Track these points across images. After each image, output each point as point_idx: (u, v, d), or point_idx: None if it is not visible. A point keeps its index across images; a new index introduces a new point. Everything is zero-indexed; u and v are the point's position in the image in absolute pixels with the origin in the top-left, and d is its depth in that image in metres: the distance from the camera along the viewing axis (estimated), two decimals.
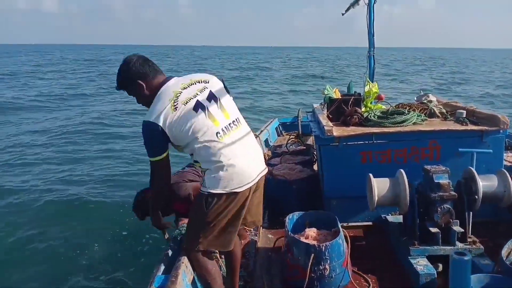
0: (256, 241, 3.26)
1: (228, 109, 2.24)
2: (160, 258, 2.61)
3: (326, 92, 4.08)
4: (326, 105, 4.11)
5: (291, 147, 5.50)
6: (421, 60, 62.52)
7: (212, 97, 2.21)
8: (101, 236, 5.23)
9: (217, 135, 2.12)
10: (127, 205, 5.81)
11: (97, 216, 5.90)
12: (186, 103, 2.12)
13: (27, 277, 4.38)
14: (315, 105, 4.60)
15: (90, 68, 37.03)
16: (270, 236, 3.41)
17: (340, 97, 3.95)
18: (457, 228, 2.74)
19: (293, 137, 6.08)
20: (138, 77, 2.21)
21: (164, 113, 2.07)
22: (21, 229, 5.46)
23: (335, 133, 3.26)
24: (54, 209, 6.18)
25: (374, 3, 4.88)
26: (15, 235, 5.30)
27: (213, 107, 2.18)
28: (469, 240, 2.79)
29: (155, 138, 2.10)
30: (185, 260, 2.37)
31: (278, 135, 7.56)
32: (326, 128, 3.28)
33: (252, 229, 3.45)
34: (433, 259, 2.71)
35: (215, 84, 2.29)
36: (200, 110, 2.13)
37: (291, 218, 2.96)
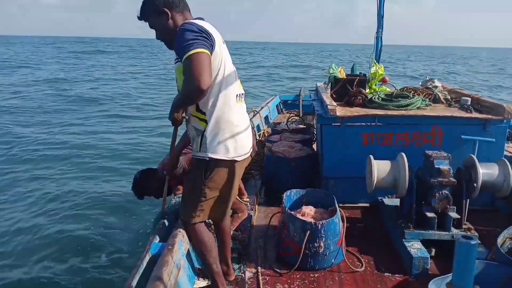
0: (252, 215, 3.26)
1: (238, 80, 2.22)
2: (156, 227, 2.62)
3: (331, 71, 4.03)
4: (330, 85, 4.07)
5: (292, 125, 5.47)
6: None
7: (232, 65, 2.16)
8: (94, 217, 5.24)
9: (236, 96, 2.10)
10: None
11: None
12: (228, 51, 2.09)
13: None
14: (318, 84, 4.55)
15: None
16: (266, 211, 3.42)
17: (345, 77, 3.90)
18: (453, 214, 2.74)
19: (294, 115, 6.05)
20: (166, 3, 2.02)
21: (216, 34, 1.97)
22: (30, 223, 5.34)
23: (338, 113, 3.23)
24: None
25: None
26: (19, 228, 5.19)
27: (235, 71, 2.16)
28: (464, 226, 2.80)
29: (200, 35, 1.88)
30: (182, 230, 2.37)
31: (279, 113, 7.53)
32: (329, 107, 3.25)
33: (248, 204, 3.47)
34: (427, 243, 2.72)
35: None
36: (233, 65, 2.12)
37: (289, 195, 2.95)
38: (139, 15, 2.10)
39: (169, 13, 2.03)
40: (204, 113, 2.04)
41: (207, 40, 1.90)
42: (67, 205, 5.66)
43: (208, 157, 2.05)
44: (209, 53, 1.88)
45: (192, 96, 1.91)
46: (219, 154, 2.05)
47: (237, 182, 2.23)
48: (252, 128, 3.43)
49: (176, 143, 2.36)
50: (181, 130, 2.25)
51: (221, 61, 2.00)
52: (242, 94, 2.20)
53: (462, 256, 1.69)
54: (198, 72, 1.81)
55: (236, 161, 2.11)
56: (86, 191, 6.19)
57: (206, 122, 2.04)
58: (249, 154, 2.22)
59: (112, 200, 5.78)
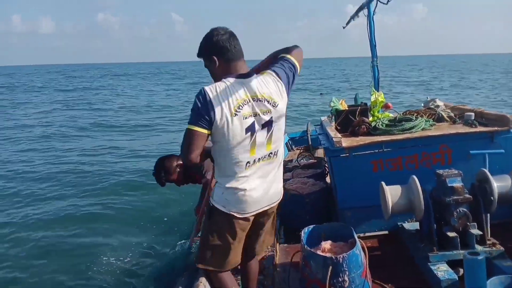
0: (273, 257, 3.25)
1: (274, 140, 2.17)
2: (177, 279, 2.62)
3: (332, 104, 4.12)
4: (333, 117, 4.14)
5: (302, 161, 5.51)
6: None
7: (267, 125, 2.12)
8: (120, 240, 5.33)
9: (246, 164, 2.10)
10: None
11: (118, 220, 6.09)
12: (245, 118, 2.04)
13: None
14: (322, 118, 4.62)
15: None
16: (287, 251, 3.40)
17: (346, 108, 3.98)
18: (475, 231, 2.71)
19: (303, 150, 6.09)
20: (215, 51, 2.09)
21: (226, 106, 1.99)
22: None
23: (344, 144, 3.27)
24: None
25: (374, 14, 4.94)
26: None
27: (261, 136, 2.11)
28: (488, 242, 2.76)
29: (203, 110, 1.98)
30: (203, 280, 2.38)
31: (289, 150, 7.57)
32: (335, 139, 3.30)
33: (269, 246, 3.45)
34: (453, 264, 2.67)
35: (279, 110, 2.15)
36: (249, 133, 2.07)
37: (306, 231, 2.94)
38: (197, 53, 2.19)
39: (217, 61, 2.10)
40: (214, 164, 2.21)
41: (205, 116, 1.98)
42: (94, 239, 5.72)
43: (212, 204, 2.18)
44: (203, 130, 1.99)
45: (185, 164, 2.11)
46: (219, 205, 2.16)
47: (243, 234, 2.25)
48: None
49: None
50: None
51: (224, 133, 2.02)
52: (270, 154, 2.17)
53: (472, 272, 1.67)
54: (186, 149, 2.03)
55: (235, 216, 2.16)
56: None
57: (215, 173, 2.21)
58: (259, 210, 2.22)
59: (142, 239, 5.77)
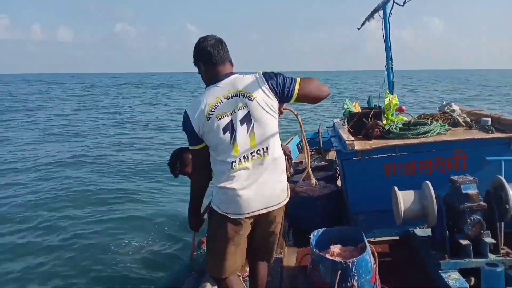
0: (281, 259, 3.22)
1: (257, 135, 2.12)
2: (184, 280, 2.61)
3: (345, 106, 4.07)
4: (346, 120, 4.09)
5: (313, 163, 5.46)
6: None
7: (246, 120, 2.10)
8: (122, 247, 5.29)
9: (232, 164, 2.10)
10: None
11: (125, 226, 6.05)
12: (220, 119, 2.07)
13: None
14: (335, 120, 4.58)
15: None
16: (295, 254, 3.37)
17: (360, 111, 3.93)
18: (488, 240, 2.64)
19: (314, 152, 6.04)
20: (200, 58, 2.19)
21: (198, 116, 2.10)
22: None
23: (357, 147, 3.23)
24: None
25: (390, 16, 4.88)
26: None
27: (241, 132, 2.09)
28: (502, 251, 2.69)
29: (187, 130, 2.15)
30: (210, 281, 2.36)
31: (300, 152, 7.52)
32: (347, 142, 3.26)
33: (278, 247, 3.43)
34: (465, 273, 2.61)
35: (258, 103, 2.11)
36: (227, 133, 2.08)
37: (316, 234, 2.91)
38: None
39: (202, 66, 2.20)
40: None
41: (192, 134, 2.14)
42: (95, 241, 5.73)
43: (211, 205, 2.24)
44: (194, 148, 2.19)
45: (192, 186, 2.30)
46: (215, 205, 2.20)
47: (238, 239, 2.21)
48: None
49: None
50: None
51: (208, 137, 2.12)
52: (258, 150, 2.13)
53: (489, 284, 1.62)
54: (193, 165, 2.31)
55: (229, 218, 2.15)
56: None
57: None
58: (256, 213, 2.17)
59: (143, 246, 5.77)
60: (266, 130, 2.14)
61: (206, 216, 2.61)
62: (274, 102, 2.15)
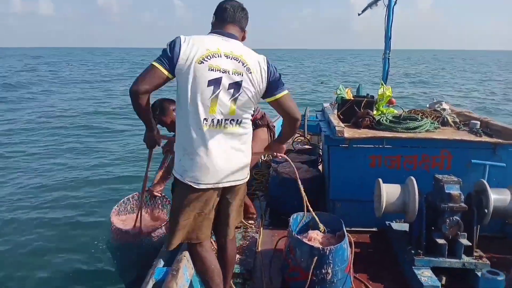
0: (257, 239, 3.19)
1: (239, 105, 2.08)
2: (160, 250, 2.56)
3: (338, 92, 4.01)
4: (337, 105, 4.04)
5: (297, 145, 5.43)
6: None
7: (235, 86, 2.05)
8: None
9: (203, 121, 2.01)
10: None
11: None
12: (210, 70, 1.99)
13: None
14: (325, 105, 4.52)
15: None
16: (271, 235, 3.34)
17: (352, 98, 3.88)
18: (464, 241, 2.67)
19: (299, 135, 6.01)
20: (217, 11, 2.23)
21: (192, 51, 1.99)
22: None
23: (346, 135, 3.19)
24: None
25: (394, 4, 4.79)
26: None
27: (225, 95, 2.04)
28: (475, 254, 2.72)
29: (170, 49, 2.00)
30: (186, 254, 2.31)
31: None
32: (337, 128, 3.21)
33: (253, 227, 3.40)
34: (437, 271, 2.64)
35: (253, 79, 2.09)
36: (212, 87, 2.00)
37: (295, 218, 2.88)
38: None
39: (214, 19, 2.24)
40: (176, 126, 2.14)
41: (168, 57, 1.99)
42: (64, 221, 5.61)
43: (173, 174, 2.15)
44: (160, 68, 1.97)
45: (133, 102, 2.03)
46: (177, 174, 2.11)
47: (205, 209, 2.15)
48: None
49: None
50: None
51: (186, 81, 1.99)
52: (232, 119, 2.09)
53: None
54: (139, 78, 1.99)
55: (193, 188, 2.07)
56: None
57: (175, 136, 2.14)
58: (220, 184, 2.12)
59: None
60: (247, 106, 2.13)
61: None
62: (263, 88, 2.15)
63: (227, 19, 2.18)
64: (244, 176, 2.26)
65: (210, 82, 1.99)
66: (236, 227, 3.14)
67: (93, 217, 5.72)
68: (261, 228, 3.40)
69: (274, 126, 3.75)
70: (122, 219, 3.61)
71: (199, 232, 2.18)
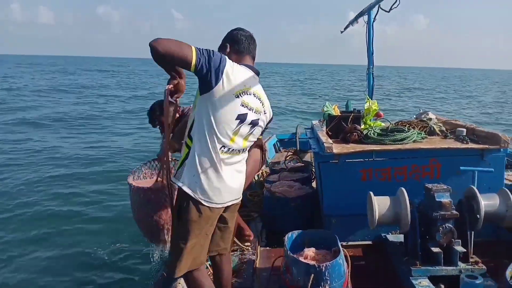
0: (254, 260, 3.19)
1: (249, 140, 2.27)
2: (156, 279, 2.55)
3: (325, 109, 4.07)
4: (325, 122, 4.09)
5: (289, 163, 5.46)
6: None
7: (253, 123, 2.21)
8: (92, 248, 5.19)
9: (221, 148, 2.10)
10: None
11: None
12: (242, 105, 2.10)
13: None
14: (314, 122, 4.58)
15: None
16: (268, 255, 3.34)
17: (339, 114, 3.94)
18: (459, 248, 2.68)
19: (291, 153, 6.05)
20: (230, 40, 2.24)
21: (232, 84, 2.04)
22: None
23: (335, 150, 3.23)
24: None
25: (374, 21, 4.91)
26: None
27: (245, 130, 2.18)
28: (471, 260, 2.73)
29: (214, 58, 1.98)
30: (182, 281, 2.31)
31: (276, 152, 7.52)
32: (326, 145, 3.25)
33: (250, 248, 3.40)
34: (435, 280, 2.64)
35: (265, 119, 2.32)
36: (238, 121, 2.12)
37: (290, 236, 2.89)
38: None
39: (228, 47, 2.23)
40: (191, 140, 2.10)
41: (211, 63, 1.96)
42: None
43: (178, 186, 2.11)
44: (194, 55, 1.91)
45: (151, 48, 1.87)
46: (188, 188, 2.08)
47: (210, 228, 2.21)
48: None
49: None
50: None
51: (220, 107, 2.03)
52: (243, 149, 2.25)
53: None
54: (169, 40, 1.88)
55: (202, 204, 2.10)
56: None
57: (189, 150, 2.10)
58: (224, 205, 2.21)
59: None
60: (254, 139, 2.33)
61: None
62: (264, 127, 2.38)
63: (244, 51, 2.24)
64: (241, 194, 2.39)
65: (238, 116, 2.11)
66: (233, 250, 3.15)
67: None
68: (258, 249, 3.40)
69: (267, 147, 3.80)
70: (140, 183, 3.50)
71: (202, 255, 2.22)
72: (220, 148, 2.09)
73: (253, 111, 2.17)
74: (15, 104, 19.15)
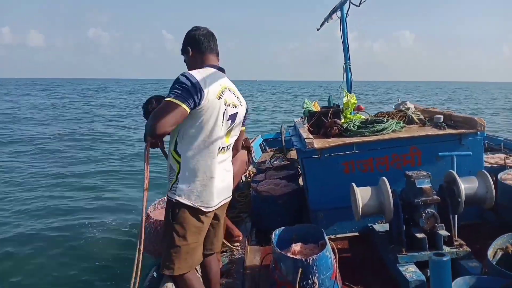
0: (244, 259, 3.20)
1: (232, 134, 2.30)
2: (145, 281, 2.55)
3: (305, 106, 4.11)
4: (306, 119, 4.13)
5: (275, 162, 5.49)
6: None
7: (232, 118, 2.23)
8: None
9: (218, 150, 2.15)
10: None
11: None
12: (225, 104, 2.14)
13: None
14: (296, 120, 4.62)
15: None
16: (258, 253, 3.36)
17: (319, 110, 3.98)
18: (442, 232, 2.74)
19: (277, 152, 6.08)
20: (191, 43, 2.24)
21: (211, 89, 2.05)
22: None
23: (316, 145, 3.26)
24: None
25: (347, 17, 4.98)
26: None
27: (225, 126, 2.19)
28: (455, 243, 2.79)
29: (191, 86, 1.98)
30: (170, 285, 2.31)
31: (262, 152, 7.55)
32: (307, 141, 3.29)
33: (239, 249, 3.42)
34: (422, 265, 2.69)
35: (243, 111, 2.36)
36: (229, 121, 2.20)
37: (277, 233, 2.91)
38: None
39: (190, 51, 2.24)
40: (179, 155, 2.10)
41: (191, 94, 1.97)
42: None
43: (175, 199, 2.10)
44: (184, 106, 1.95)
45: (147, 133, 2.01)
46: (185, 199, 2.10)
47: (204, 231, 2.24)
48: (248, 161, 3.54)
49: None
50: None
51: (209, 115, 2.06)
52: (228, 145, 2.27)
53: (437, 273, 1.68)
54: (161, 117, 1.93)
55: (202, 211, 2.13)
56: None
57: (179, 164, 2.10)
58: (218, 205, 2.24)
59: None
60: (235, 134, 2.37)
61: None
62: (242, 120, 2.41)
63: (206, 50, 2.25)
64: (231, 193, 2.41)
65: (225, 115, 2.15)
66: (222, 251, 3.17)
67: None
68: (248, 249, 3.41)
69: (252, 147, 3.82)
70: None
71: (200, 254, 2.25)
72: (218, 150, 2.15)
73: (231, 106, 2.21)
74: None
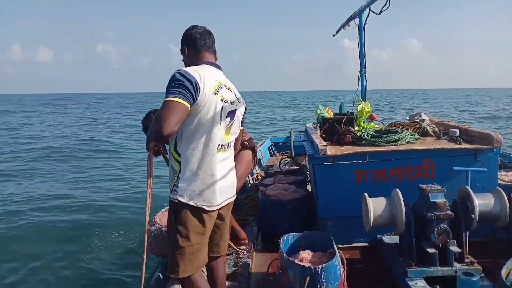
0: (249, 264, 3.17)
1: (232, 131, 2.29)
2: (150, 283, 2.52)
3: (318, 111, 4.08)
4: (319, 125, 4.10)
5: (284, 167, 5.46)
6: None
7: (231, 115, 2.24)
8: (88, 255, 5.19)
9: (217, 147, 2.14)
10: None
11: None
12: (222, 100, 2.14)
13: None
14: (308, 125, 4.59)
15: None
16: (264, 258, 3.33)
17: (333, 117, 3.95)
18: (454, 248, 2.68)
19: (286, 156, 6.05)
20: (188, 42, 2.26)
21: (207, 84, 2.04)
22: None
23: (329, 152, 3.23)
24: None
25: (365, 24, 4.94)
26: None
27: (224, 123, 2.19)
28: (466, 260, 2.73)
29: (189, 82, 1.98)
30: (176, 286, 2.29)
31: (271, 155, 7.52)
32: (320, 147, 3.25)
33: (245, 252, 3.38)
34: (431, 281, 2.64)
35: (241, 108, 2.36)
36: (229, 118, 2.20)
37: (286, 239, 2.88)
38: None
39: (186, 49, 2.26)
40: (179, 155, 2.09)
41: (189, 90, 1.97)
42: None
43: (177, 200, 2.09)
44: (185, 103, 1.95)
45: (153, 137, 1.98)
46: (187, 199, 2.09)
47: (209, 231, 2.22)
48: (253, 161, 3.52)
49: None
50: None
51: (206, 111, 2.06)
52: (229, 143, 2.26)
53: None
54: (165, 117, 1.91)
55: (205, 210, 2.11)
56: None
57: (180, 164, 2.09)
58: (222, 204, 2.22)
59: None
60: (236, 131, 2.35)
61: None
62: (241, 118, 2.42)
63: (202, 48, 2.25)
64: (235, 192, 2.40)
65: (223, 111, 2.14)
66: (228, 254, 3.14)
67: None
68: (254, 253, 3.38)
69: (258, 150, 3.80)
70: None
71: (205, 255, 2.24)
72: (218, 147, 2.15)
73: (229, 102, 2.20)
74: None
